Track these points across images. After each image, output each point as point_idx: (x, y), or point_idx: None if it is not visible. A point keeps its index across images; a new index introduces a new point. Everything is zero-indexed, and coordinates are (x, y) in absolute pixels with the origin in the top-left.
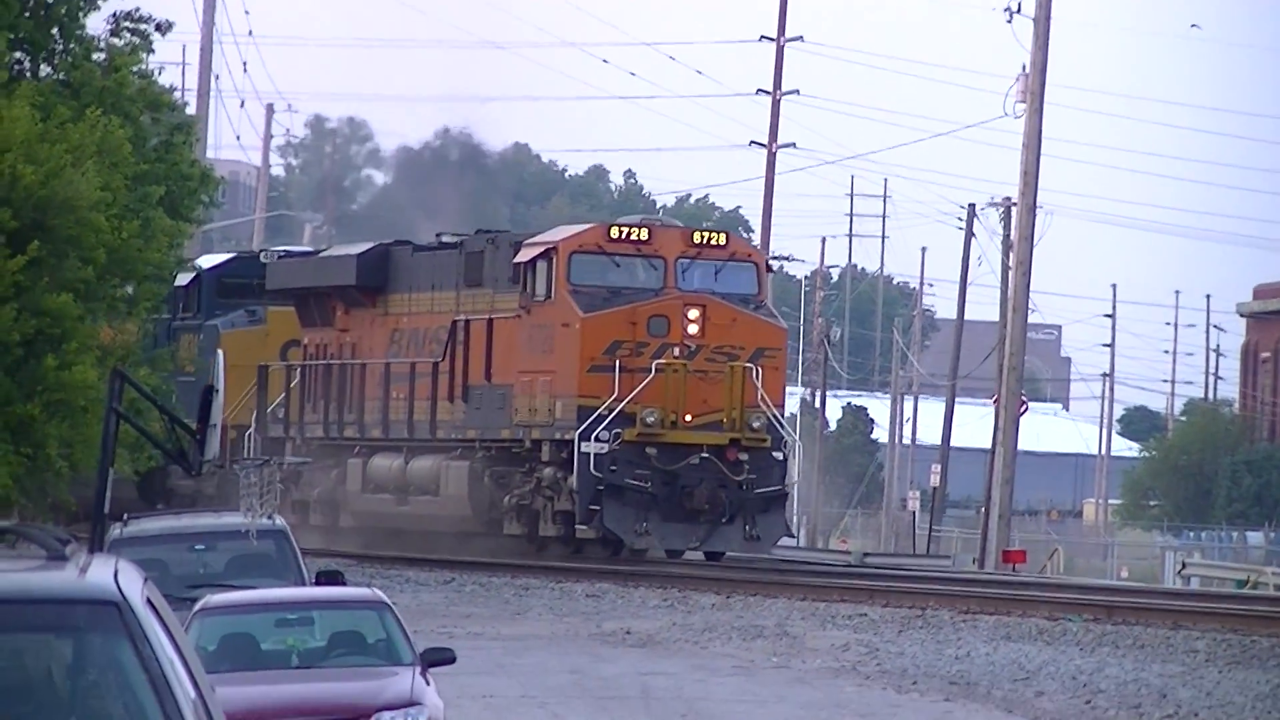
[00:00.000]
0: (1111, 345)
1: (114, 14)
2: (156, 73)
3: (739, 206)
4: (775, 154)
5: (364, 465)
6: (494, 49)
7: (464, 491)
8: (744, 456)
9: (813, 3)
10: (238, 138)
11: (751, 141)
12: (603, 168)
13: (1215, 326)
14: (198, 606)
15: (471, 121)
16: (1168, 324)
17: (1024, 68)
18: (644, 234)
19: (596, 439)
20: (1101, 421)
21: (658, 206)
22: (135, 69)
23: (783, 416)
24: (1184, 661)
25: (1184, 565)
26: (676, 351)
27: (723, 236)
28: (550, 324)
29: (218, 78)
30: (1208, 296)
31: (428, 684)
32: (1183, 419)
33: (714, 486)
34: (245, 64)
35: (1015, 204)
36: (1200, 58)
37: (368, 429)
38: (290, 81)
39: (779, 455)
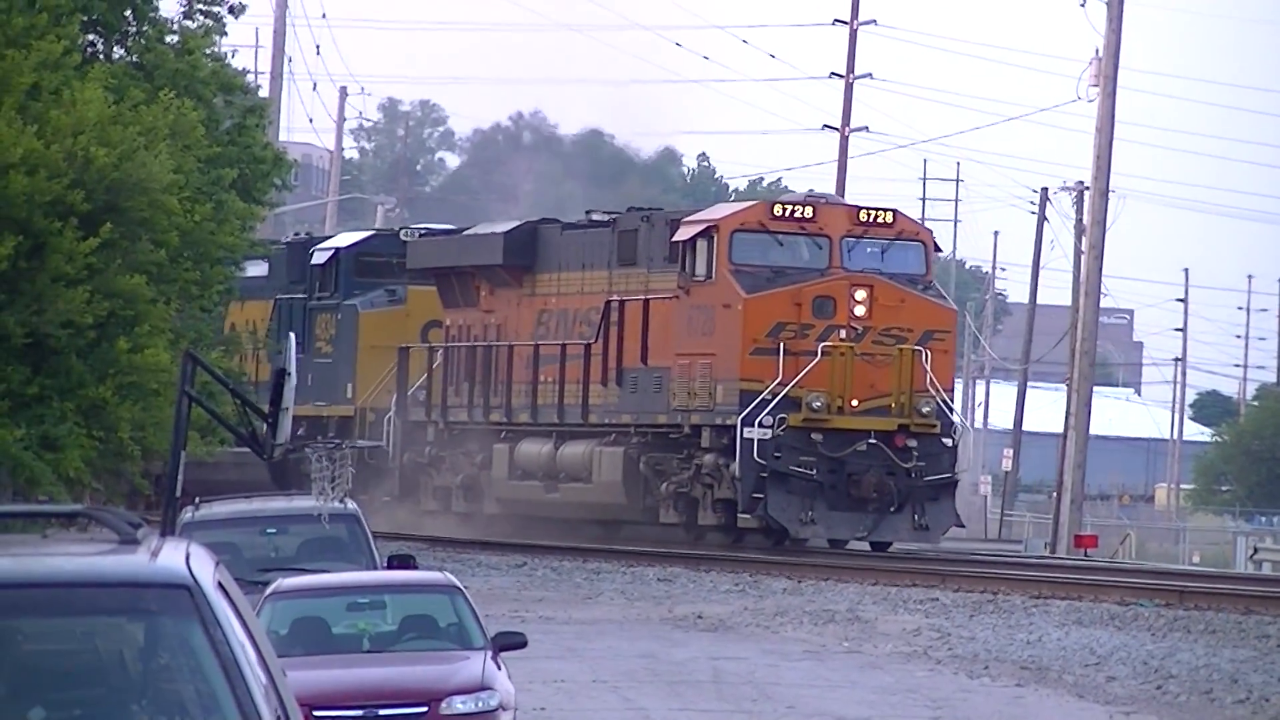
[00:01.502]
0: (1184, 329)
1: None
2: (229, 55)
3: (811, 190)
4: (848, 138)
5: (511, 450)
6: (568, 31)
7: (618, 478)
8: (913, 443)
9: None
10: (310, 120)
11: (824, 125)
12: (675, 150)
13: None
14: (269, 590)
15: (545, 104)
16: (1240, 308)
17: (1097, 51)
18: (808, 211)
19: (760, 424)
20: (1173, 406)
21: (730, 190)
22: (208, 51)
23: (952, 401)
24: (1256, 647)
25: (1256, 550)
26: (843, 334)
27: (889, 215)
28: (711, 305)
29: (290, 60)
30: None
31: (499, 668)
32: (1255, 404)
33: (882, 474)
34: (318, 46)
35: (1088, 188)
36: (1274, 41)
37: (515, 413)
38: (363, 64)
39: (949, 442)
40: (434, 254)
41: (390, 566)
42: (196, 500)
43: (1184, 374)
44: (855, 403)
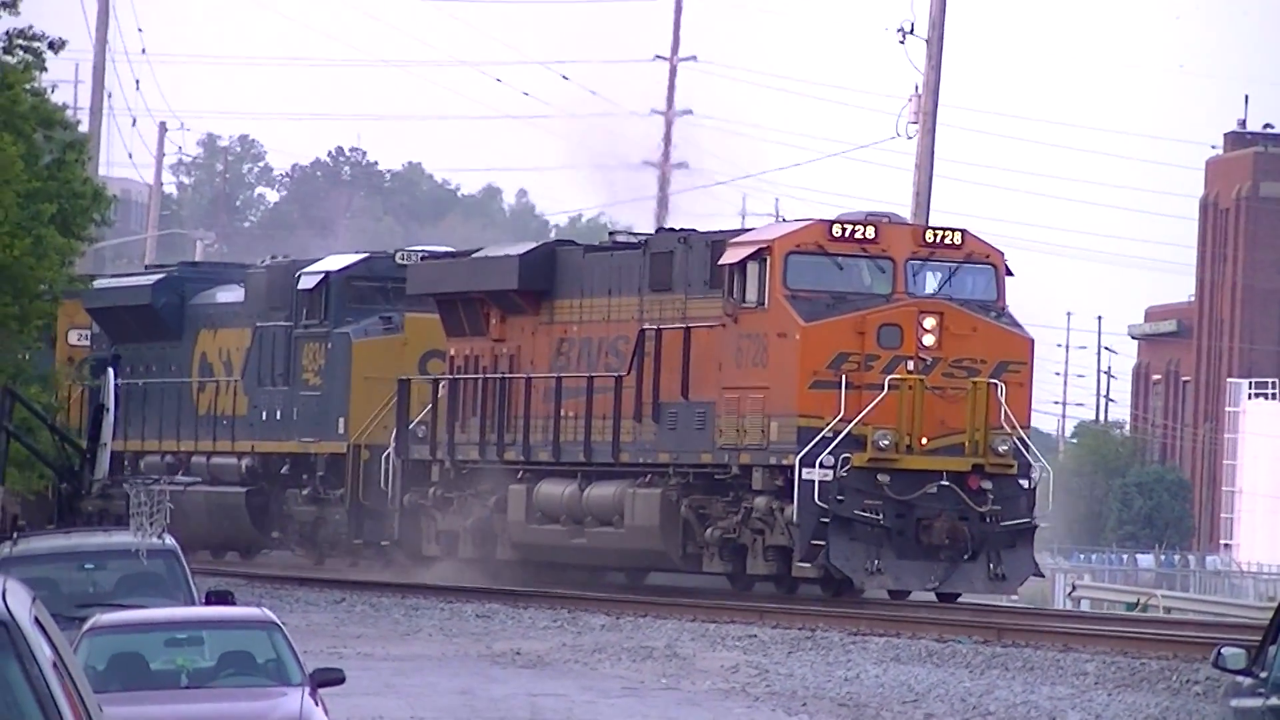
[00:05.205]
0: None
1: (6, 31)
2: (49, 90)
3: (631, 226)
4: (668, 174)
5: (529, 492)
6: (388, 67)
7: (654, 522)
8: (988, 485)
9: (707, 22)
10: (130, 155)
11: (644, 161)
12: (495, 187)
13: (1106, 348)
14: (87, 625)
15: (365, 140)
16: (1059, 345)
17: (917, 88)
18: (870, 232)
19: (821, 464)
20: None
21: (550, 226)
22: (28, 86)
23: (1029, 439)
24: (1073, 684)
25: (1074, 587)
26: (910, 365)
27: (958, 235)
28: (763, 334)
29: (110, 95)
30: (1099, 318)
31: (317, 704)
32: (1074, 441)
33: (955, 519)
34: (138, 82)
35: None
36: (1094, 79)
37: (534, 451)
38: (183, 100)
39: (1026, 483)
40: (438, 278)
41: (208, 602)
42: (14, 535)
43: None
44: (925, 440)
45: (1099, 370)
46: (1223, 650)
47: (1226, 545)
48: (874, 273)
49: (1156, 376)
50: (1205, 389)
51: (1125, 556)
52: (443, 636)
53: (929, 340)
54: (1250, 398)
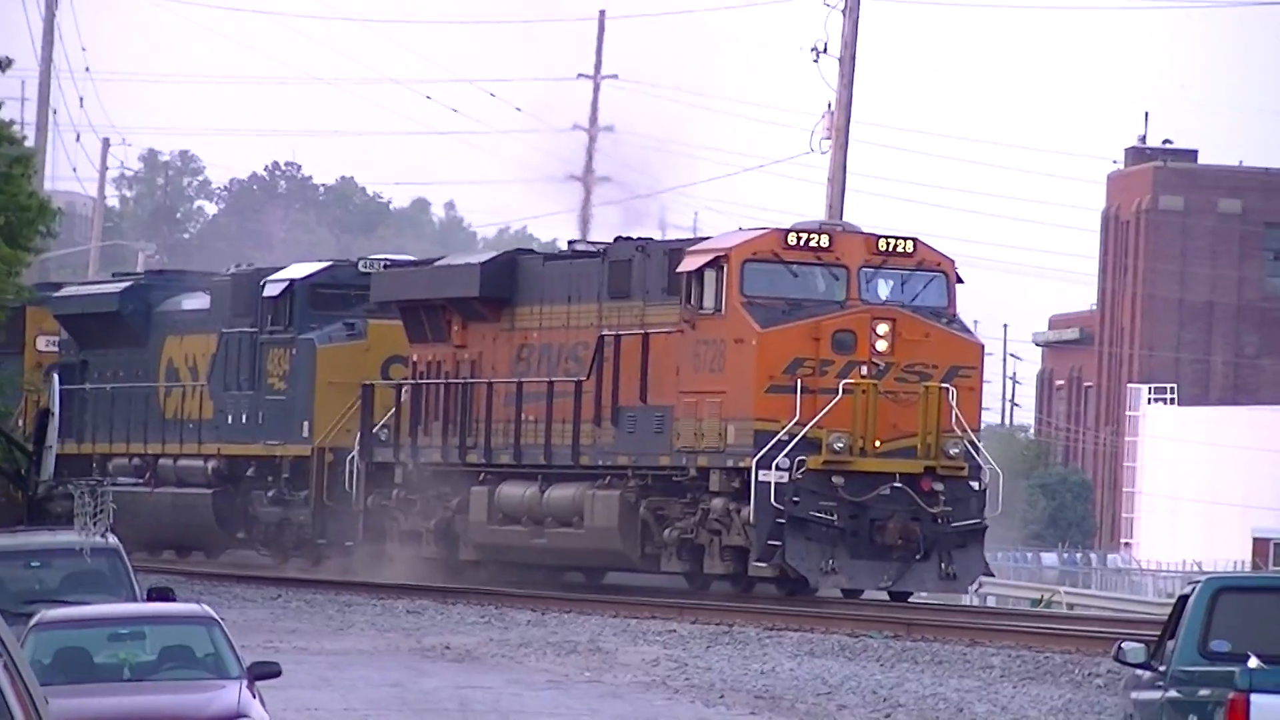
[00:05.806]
0: None
1: None
2: None
3: (555, 239)
4: (591, 187)
5: (491, 494)
6: (322, 84)
7: (613, 523)
8: (939, 487)
9: (629, 42)
10: (74, 170)
11: (568, 175)
12: (425, 200)
13: (1012, 355)
14: (33, 621)
15: (299, 155)
16: None
17: (830, 105)
18: (824, 240)
19: (776, 467)
20: None
21: (478, 238)
22: None
23: (979, 442)
24: (980, 677)
25: (981, 584)
26: (864, 370)
27: (909, 243)
28: (720, 340)
29: (55, 112)
30: (1005, 326)
31: (254, 696)
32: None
33: (907, 520)
34: (82, 99)
35: None
36: (1001, 96)
37: (495, 454)
38: (125, 116)
39: (977, 485)
40: (401, 286)
41: (150, 598)
42: None
43: None
44: (878, 444)
45: (1005, 376)
46: (1123, 644)
47: (1127, 544)
48: (828, 280)
49: (1060, 382)
50: (1107, 394)
51: (1030, 555)
52: (374, 632)
53: (882, 346)
54: (1150, 403)
